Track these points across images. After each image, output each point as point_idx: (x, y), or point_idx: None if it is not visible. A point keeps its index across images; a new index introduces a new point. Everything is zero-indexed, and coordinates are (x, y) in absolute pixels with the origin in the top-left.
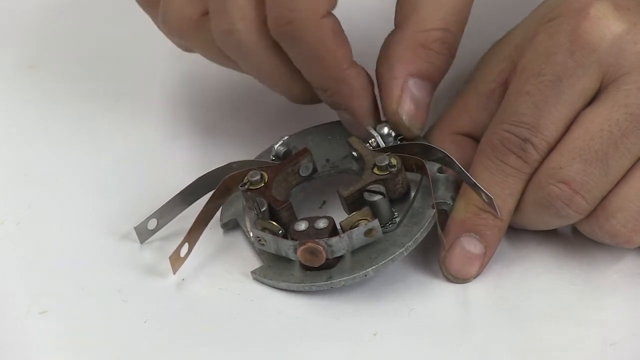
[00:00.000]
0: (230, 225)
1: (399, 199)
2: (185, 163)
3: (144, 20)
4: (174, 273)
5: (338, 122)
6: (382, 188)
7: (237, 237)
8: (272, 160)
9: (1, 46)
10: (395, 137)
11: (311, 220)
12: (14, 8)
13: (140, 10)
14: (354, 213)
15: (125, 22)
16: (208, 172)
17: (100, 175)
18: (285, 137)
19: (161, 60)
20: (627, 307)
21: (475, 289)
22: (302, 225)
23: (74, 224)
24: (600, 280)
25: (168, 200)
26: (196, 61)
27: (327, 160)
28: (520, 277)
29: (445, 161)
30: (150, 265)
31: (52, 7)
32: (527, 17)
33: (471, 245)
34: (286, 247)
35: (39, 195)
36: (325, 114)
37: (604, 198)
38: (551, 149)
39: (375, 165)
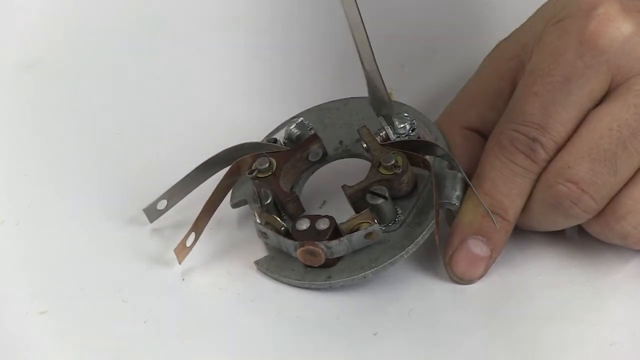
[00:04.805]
0: (241, 205)
1: (404, 196)
2: (194, 147)
3: (144, 19)
4: (180, 263)
5: (358, 99)
6: (384, 190)
7: (240, 229)
8: (285, 142)
9: (1, 46)
10: (410, 131)
11: (313, 220)
12: (14, 8)
13: (140, 9)
14: (355, 216)
15: (125, 21)
16: (219, 152)
17: (101, 175)
18: (299, 120)
19: (160, 57)
20: (627, 307)
21: (475, 289)
22: (303, 225)
23: (74, 224)
24: (600, 281)
25: (177, 181)
26: (197, 52)
27: (340, 142)
28: (520, 278)
29: (450, 161)
30: (150, 265)
31: (53, 8)
32: (533, 16)
33: (477, 248)
34: (287, 244)
35: (39, 195)
36: (346, 88)
37: (614, 199)
38: (559, 149)
39: (380, 164)
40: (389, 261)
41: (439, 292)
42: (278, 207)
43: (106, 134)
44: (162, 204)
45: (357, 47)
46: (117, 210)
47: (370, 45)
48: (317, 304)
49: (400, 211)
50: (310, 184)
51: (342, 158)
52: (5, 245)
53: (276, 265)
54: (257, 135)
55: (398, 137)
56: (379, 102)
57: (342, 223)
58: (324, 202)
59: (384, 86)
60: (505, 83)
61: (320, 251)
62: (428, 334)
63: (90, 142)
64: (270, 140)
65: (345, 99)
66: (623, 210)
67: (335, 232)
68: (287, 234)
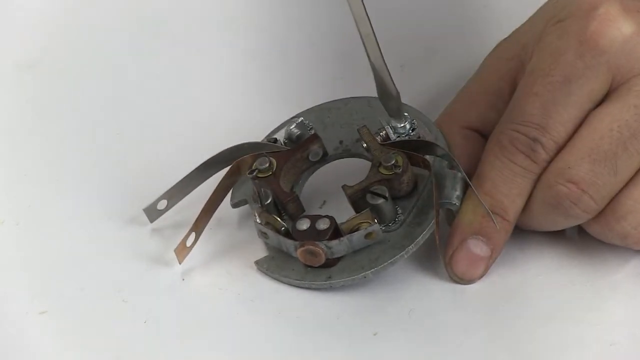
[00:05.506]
0: (241, 205)
1: (404, 196)
2: (194, 147)
3: (144, 19)
4: (180, 263)
5: (358, 99)
6: (385, 190)
7: (240, 229)
8: (285, 142)
9: (1, 46)
10: (410, 130)
11: (313, 219)
12: (14, 8)
13: (140, 9)
14: (355, 216)
15: (125, 21)
16: (219, 152)
17: (101, 175)
18: (299, 119)
19: (160, 57)
20: (627, 307)
21: (475, 289)
22: (304, 225)
23: (74, 224)
24: (600, 281)
25: (177, 181)
26: (197, 52)
27: (341, 142)
28: (520, 278)
29: (450, 161)
30: (150, 265)
31: (53, 8)
32: (533, 16)
33: (477, 248)
34: (287, 244)
35: (39, 195)
36: (346, 88)
37: (614, 199)
38: (560, 149)
39: (380, 164)
40: (389, 261)
41: (439, 292)
42: (278, 207)
43: (106, 134)
44: (162, 204)
45: (362, 40)
46: (117, 210)
47: (376, 39)
48: (317, 304)
49: (400, 211)
50: (310, 184)
51: (342, 158)
52: (5, 245)
53: (276, 265)
54: (257, 135)
55: (398, 137)
56: (387, 96)
57: (342, 223)
58: (324, 202)
59: (392, 79)
60: (506, 83)
61: (321, 251)
62: (428, 334)
63: (90, 142)
64: (270, 140)
65: (345, 99)
66: (623, 210)
67: (336, 232)
68: (287, 234)
